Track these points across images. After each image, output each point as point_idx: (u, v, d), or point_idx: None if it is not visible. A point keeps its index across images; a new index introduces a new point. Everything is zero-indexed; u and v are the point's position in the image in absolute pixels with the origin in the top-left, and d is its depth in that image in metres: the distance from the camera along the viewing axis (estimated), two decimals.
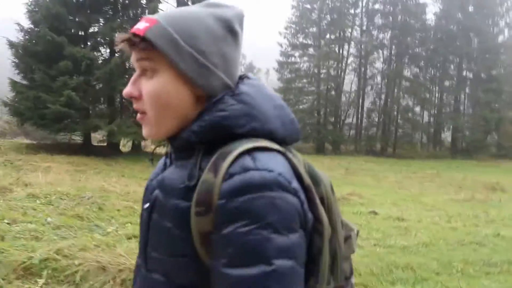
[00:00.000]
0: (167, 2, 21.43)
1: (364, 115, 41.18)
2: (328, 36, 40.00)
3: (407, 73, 41.59)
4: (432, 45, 41.02)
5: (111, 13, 19.70)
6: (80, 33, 19.26)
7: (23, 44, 17.81)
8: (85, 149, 17.86)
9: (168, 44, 0.85)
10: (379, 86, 41.34)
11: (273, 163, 0.82)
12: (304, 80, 39.92)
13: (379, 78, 41.60)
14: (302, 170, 0.86)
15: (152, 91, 0.88)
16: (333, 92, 39.38)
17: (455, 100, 42.46)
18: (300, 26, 39.78)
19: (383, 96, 40.61)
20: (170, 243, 0.87)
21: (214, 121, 0.86)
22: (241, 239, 0.76)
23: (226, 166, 0.80)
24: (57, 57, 16.44)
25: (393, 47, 40.68)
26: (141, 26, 0.87)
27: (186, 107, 0.89)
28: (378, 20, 41.07)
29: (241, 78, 0.94)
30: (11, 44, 17.74)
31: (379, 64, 41.82)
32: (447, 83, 43.02)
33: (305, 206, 0.82)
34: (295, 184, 0.82)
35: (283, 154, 0.86)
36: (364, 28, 40.80)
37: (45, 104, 15.95)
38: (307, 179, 0.85)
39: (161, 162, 1.05)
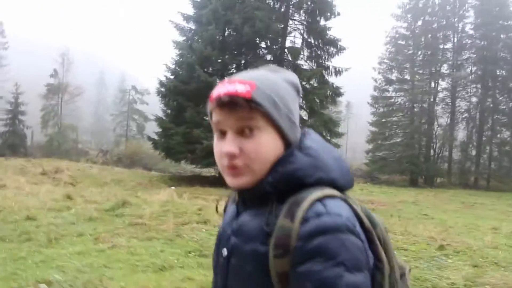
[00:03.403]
0: (294, 42, 22.58)
1: (458, 148, 40.72)
2: (421, 71, 40.31)
3: (502, 106, 40.62)
4: None
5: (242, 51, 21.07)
6: (216, 70, 20.26)
7: (174, 84, 19.24)
8: (220, 181, 18.98)
9: (272, 106, 0.95)
10: (473, 119, 40.86)
11: (340, 209, 0.90)
12: (400, 114, 40.22)
13: (472, 111, 41.00)
14: (362, 214, 0.95)
15: (257, 147, 0.95)
16: (426, 126, 39.50)
17: None
18: (396, 62, 40.39)
19: (477, 129, 40.07)
20: (250, 284, 0.96)
21: (287, 173, 0.94)
22: (317, 275, 0.84)
23: (302, 212, 0.89)
24: (207, 96, 17.66)
25: (486, 80, 39.99)
26: (242, 88, 0.94)
27: (277, 157, 0.97)
28: (471, 54, 40.79)
29: (303, 133, 1.04)
30: (161, 84, 19.17)
31: (472, 98, 41.32)
32: None
33: (366, 247, 0.91)
34: (358, 227, 0.90)
35: (345, 200, 0.95)
36: (456, 62, 40.66)
37: (197, 139, 17.16)
38: (367, 222, 0.95)
39: (230, 211, 1.12)
